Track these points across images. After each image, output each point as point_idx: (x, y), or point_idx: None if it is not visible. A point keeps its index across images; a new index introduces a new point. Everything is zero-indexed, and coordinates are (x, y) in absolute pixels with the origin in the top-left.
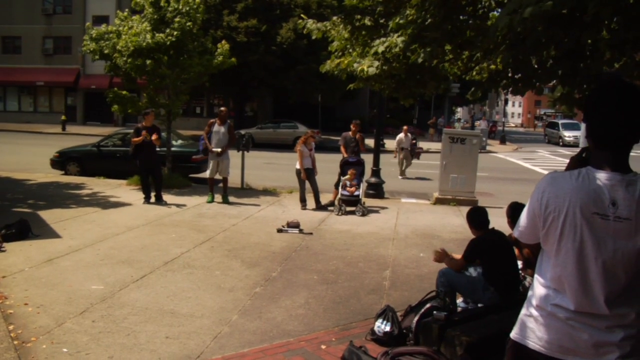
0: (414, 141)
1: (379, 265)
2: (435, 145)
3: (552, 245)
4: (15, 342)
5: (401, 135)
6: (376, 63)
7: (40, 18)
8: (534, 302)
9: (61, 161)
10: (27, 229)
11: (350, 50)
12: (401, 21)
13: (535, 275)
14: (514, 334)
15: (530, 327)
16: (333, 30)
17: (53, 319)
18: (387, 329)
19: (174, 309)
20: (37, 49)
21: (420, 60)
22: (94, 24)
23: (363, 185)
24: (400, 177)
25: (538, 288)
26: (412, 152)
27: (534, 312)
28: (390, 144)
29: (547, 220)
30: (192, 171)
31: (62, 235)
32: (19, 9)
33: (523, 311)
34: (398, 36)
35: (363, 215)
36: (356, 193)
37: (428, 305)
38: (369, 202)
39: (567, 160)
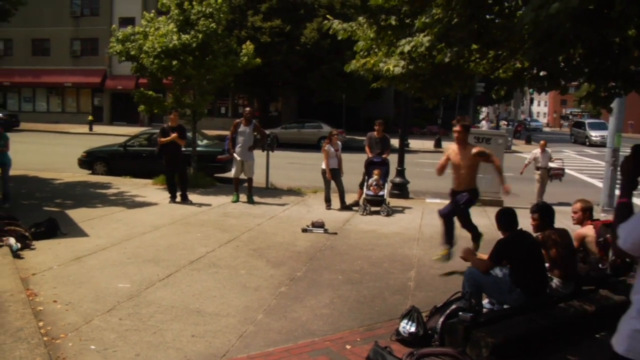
0: (555, 159)
1: (404, 266)
2: None
3: None
4: (45, 339)
5: (537, 150)
6: (402, 63)
7: (68, 20)
8: None
9: (88, 161)
10: (55, 228)
11: (376, 50)
12: (427, 20)
13: None
14: (622, 350)
15: None
16: (359, 31)
17: (81, 317)
18: (412, 329)
19: (200, 308)
20: (65, 51)
21: (447, 60)
22: (120, 25)
23: (388, 186)
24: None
25: None
26: (550, 173)
27: None
28: (415, 144)
29: None
30: (217, 171)
31: (89, 234)
32: (48, 11)
33: (632, 325)
34: (424, 36)
35: (388, 215)
36: (381, 193)
37: (454, 306)
38: (394, 202)
39: (594, 161)
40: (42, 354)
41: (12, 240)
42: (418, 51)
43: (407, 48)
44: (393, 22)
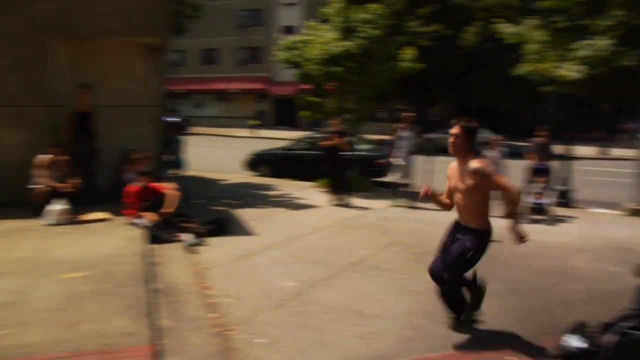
0: None
1: (568, 278)
2: (629, 152)
3: None
4: (217, 329)
5: None
6: (579, 67)
7: (234, 31)
8: None
9: (254, 163)
10: (225, 226)
11: (547, 53)
12: (609, 22)
13: None
14: None
15: None
16: (527, 34)
17: (249, 311)
18: (580, 345)
19: (360, 310)
20: (231, 59)
21: (631, 63)
22: (282, 34)
23: (551, 193)
24: None
25: None
26: None
27: None
28: (580, 150)
29: None
30: (376, 175)
31: (255, 233)
32: (216, 23)
33: None
34: (605, 39)
35: (550, 224)
36: (544, 201)
37: (626, 324)
38: (557, 210)
39: None
40: (216, 344)
41: (187, 236)
42: (598, 55)
43: (585, 52)
44: (567, 24)
